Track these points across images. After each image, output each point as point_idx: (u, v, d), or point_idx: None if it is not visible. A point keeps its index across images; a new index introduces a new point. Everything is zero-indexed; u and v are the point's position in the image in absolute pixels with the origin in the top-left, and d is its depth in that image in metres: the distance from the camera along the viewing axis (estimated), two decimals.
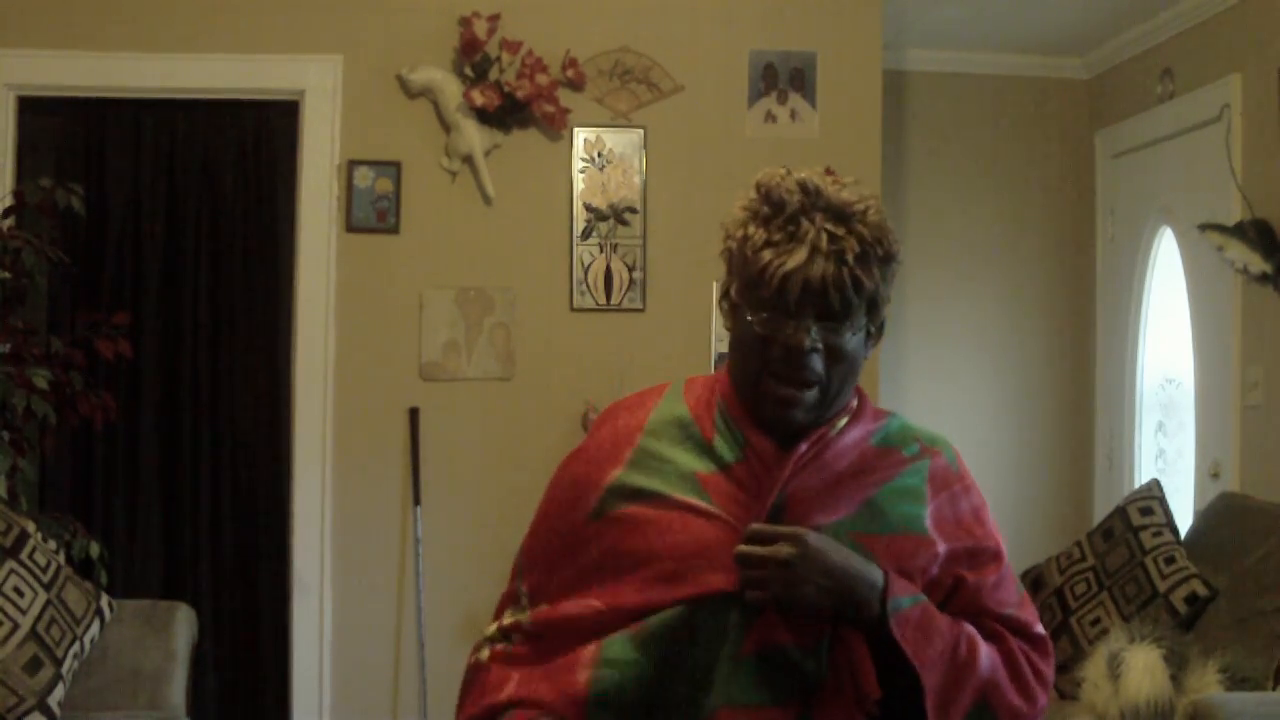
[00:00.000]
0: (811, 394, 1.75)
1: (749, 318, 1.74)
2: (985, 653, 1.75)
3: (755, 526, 1.70)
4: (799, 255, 1.70)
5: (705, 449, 1.79)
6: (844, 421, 1.81)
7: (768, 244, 1.73)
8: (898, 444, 1.84)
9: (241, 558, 5.28)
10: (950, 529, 1.80)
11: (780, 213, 1.74)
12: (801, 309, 1.71)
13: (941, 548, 1.77)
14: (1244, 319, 4.72)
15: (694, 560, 1.72)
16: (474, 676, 1.86)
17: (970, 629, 1.76)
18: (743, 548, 1.69)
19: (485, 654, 1.85)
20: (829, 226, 1.72)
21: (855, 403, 1.85)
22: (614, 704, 1.71)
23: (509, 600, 1.89)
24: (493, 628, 1.88)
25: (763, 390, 1.75)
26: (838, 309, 1.72)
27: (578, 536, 1.81)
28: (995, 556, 1.82)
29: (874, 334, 1.80)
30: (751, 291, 1.74)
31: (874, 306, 1.77)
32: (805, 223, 1.72)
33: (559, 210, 4.91)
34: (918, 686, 1.71)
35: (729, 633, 1.69)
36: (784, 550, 1.67)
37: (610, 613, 1.74)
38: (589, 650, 1.73)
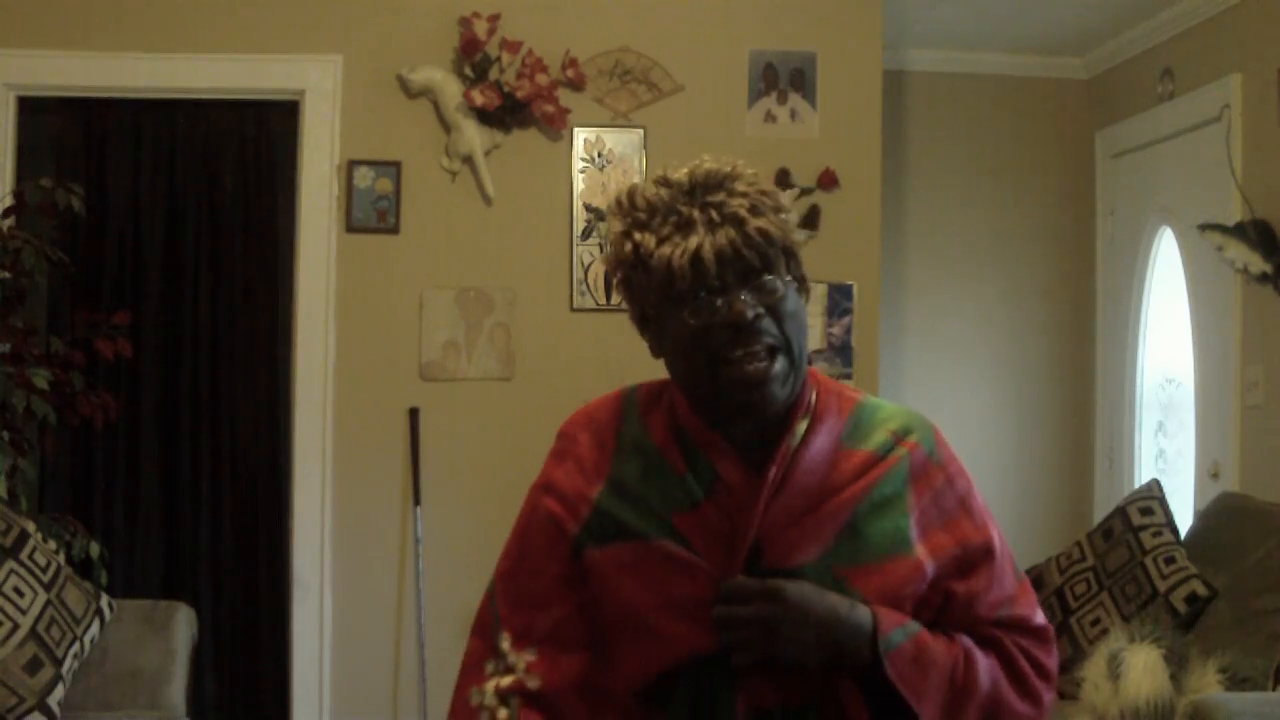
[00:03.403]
0: (780, 363, 1.63)
1: (680, 314, 1.63)
2: (985, 668, 1.69)
3: (729, 585, 1.61)
4: (697, 234, 1.62)
5: (678, 484, 1.68)
6: (804, 425, 1.70)
7: (660, 241, 1.63)
8: (871, 442, 1.72)
9: (241, 558, 5.28)
10: (936, 534, 1.70)
11: (654, 212, 1.66)
12: (724, 282, 1.62)
13: (929, 566, 1.68)
14: (1244, 319, 4.72)
15: (678, 620, 1.63)
16: None
17: (966, 644, 1.69)
18: (722, 610, 1.60)
19: None
20: (708, 199, 1.64)
21: (813, 396, 1.72)
22: None
23: (484, 656, 1.74)
24: (486, 693, 1.71)
25: (725, 379, 1.63)
26: (758, 265, 1.62)
27: (561, 577, 1.71)
28: (986, 553, 1.72)
29: (802, 286, 1.70)
30: (666, 293, 1.63)
31: (790, 254, 1.67)
32: (683, 208, 1.64)
33: (559, 210, 4.91)
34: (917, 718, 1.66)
35: (720, 696, 1.63)
36: (763, 609, 1.59)
37: (609, 671, 1.68)
38: None
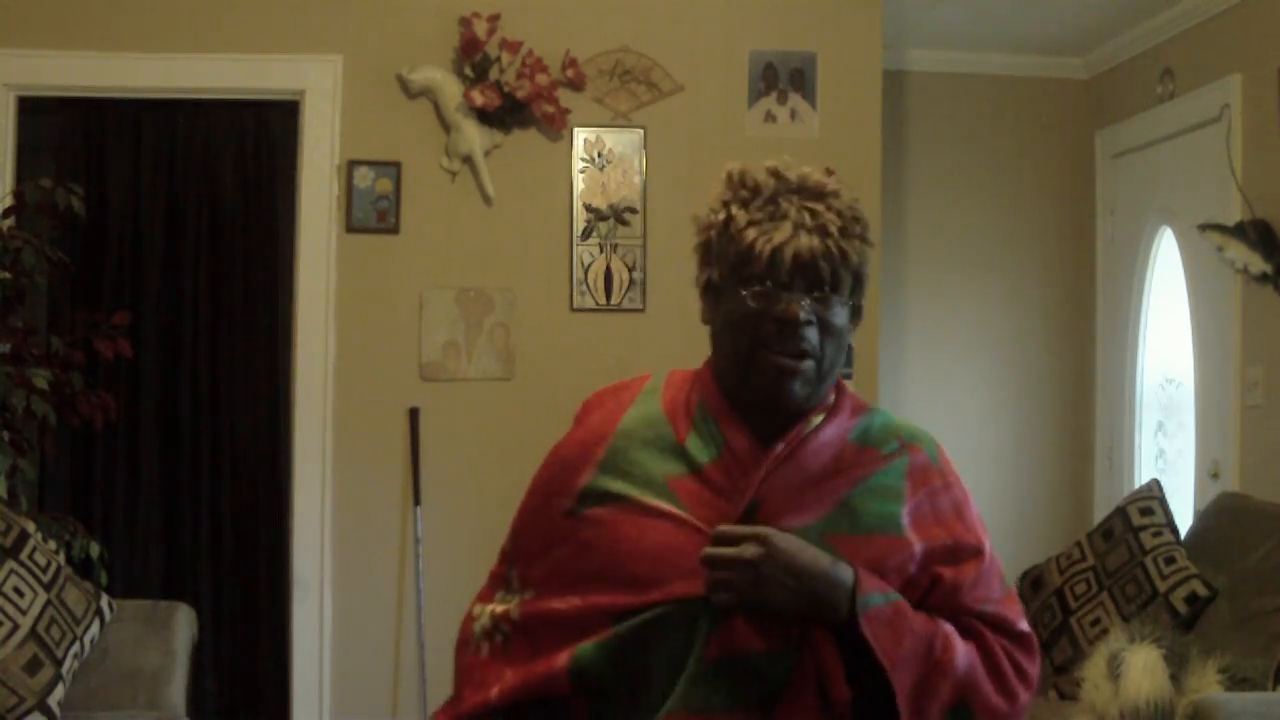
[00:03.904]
0: (809, 365, 1.74)
1: (742, 292, 1.74)
2: (963, 651, 1.72)
3: (721, 528, 1.68)
4: (784, 230, 1.73)
5: (677, 451, 1.78)
6: (819, 419, 1.80)
7: (751, 223, 1.74)
8: (877, 442, 1.81)
9: (241, 558, 5.28)
10: (929, 526, 1.77)
11: (757, 195, 1.76)
12: (793, 282, 1.73)
13: (918, 546, 1.75)
14: (1244, 319, 4.72)
15: (661, 566, 1.70)
16: (468, 670, 1.86)
17: (947, 627, 1.73)
18: (709, 550, 1.67)
19: (485, 650, 1.84)
20: (808, 204, 1.75)
21: (833, 398, 1.83)
22: (599, 706, 1.72)
23: (499, 582, 1.89)
24: (485, 614, 1.87)
25: (759, 364, 1.74)
26: (827, 280, 1.73)
27: (556, 531, 1.81)
28: (976, 553, 1.78)
29: (856, 313, 1.81)
30: (739, 270, 1.75)
31: (858, 282, 1.78)
32: (784, 202, 1.75)
33: (559, 210, 4.91)
34: (892, 686, 1.68)
35: (695, 638, 1.68)
36: (749, 550, 1.65)
37: (590, 611, 1.73)
38: (562, 657, 1.73)
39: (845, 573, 1.68)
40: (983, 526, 1.83)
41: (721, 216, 1.78)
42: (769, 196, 1.76)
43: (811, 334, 1.73)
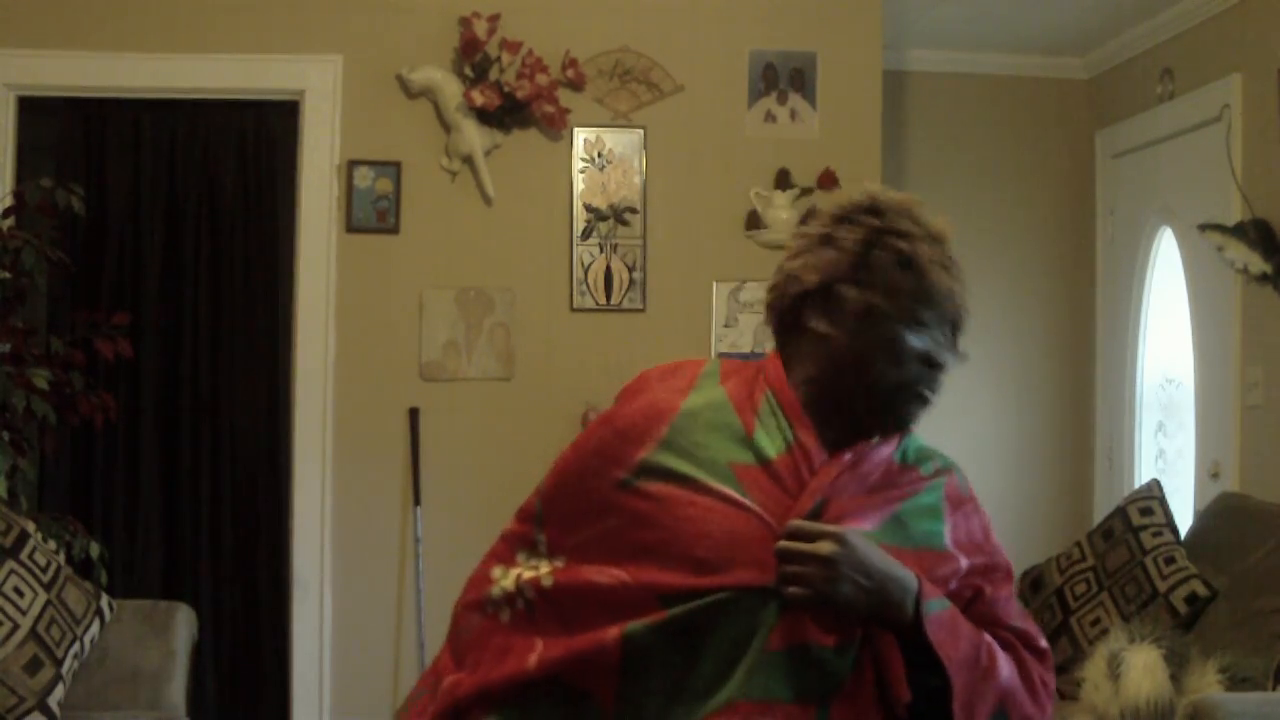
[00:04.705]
0: (924, 405, 1.83)
1: (897, 324, 1.77)
2: (1004, 661, 1.79)
3: (797, 522, 1.70)
4: (934, 271, 1.78)
5: (743, 441, 1.78)
6: (875, 439, 1.84)
7: (905, 236, 1.79)
8: (916, 463, 1.87)
9: (241, 558, 5.28)
10: (967, 546, 1.84)
11: (904, 218, 1.80)
12: (929, 311, 1.78)
13: (963, 562, 1.82)
14: (1244, 319, 4.72)
15: (725, 551, 1.70)
16: (484, 634, 1.82)
17: (989, 638, 1.79)
18: (785, 543, 1.69)
19: (506, 616, 1.80)
20: (941, 249, 1.81)
21: None
22: (642, 685, 1.70)
23: (520, 541, 1.86)
24: (508, 577, 1.82)
25: (886, 382, 1.78)
26: (952, 319, 1.81)
27: (605, 501, 1.77)
28: (1007, 574, 1.87)
29: (954, 360, 1.88)
30: (883, 280, 1.77)
31: (958, 328, 1.84)
32: (923, 243, 1.80)
33: (559, 210, 4.91)
34: (941, 692, 1.73)
35: (757, 628, 1.68)
36: (826, 547, 1.67)
37: (636, 588, 1.71)
38: (612, 632, 1.70)
39: (911, 578, 1.73)
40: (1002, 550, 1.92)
41: (873, 224, 1.79)
42: (911, 227, 1.80)
43: (936, 380, 1.81)
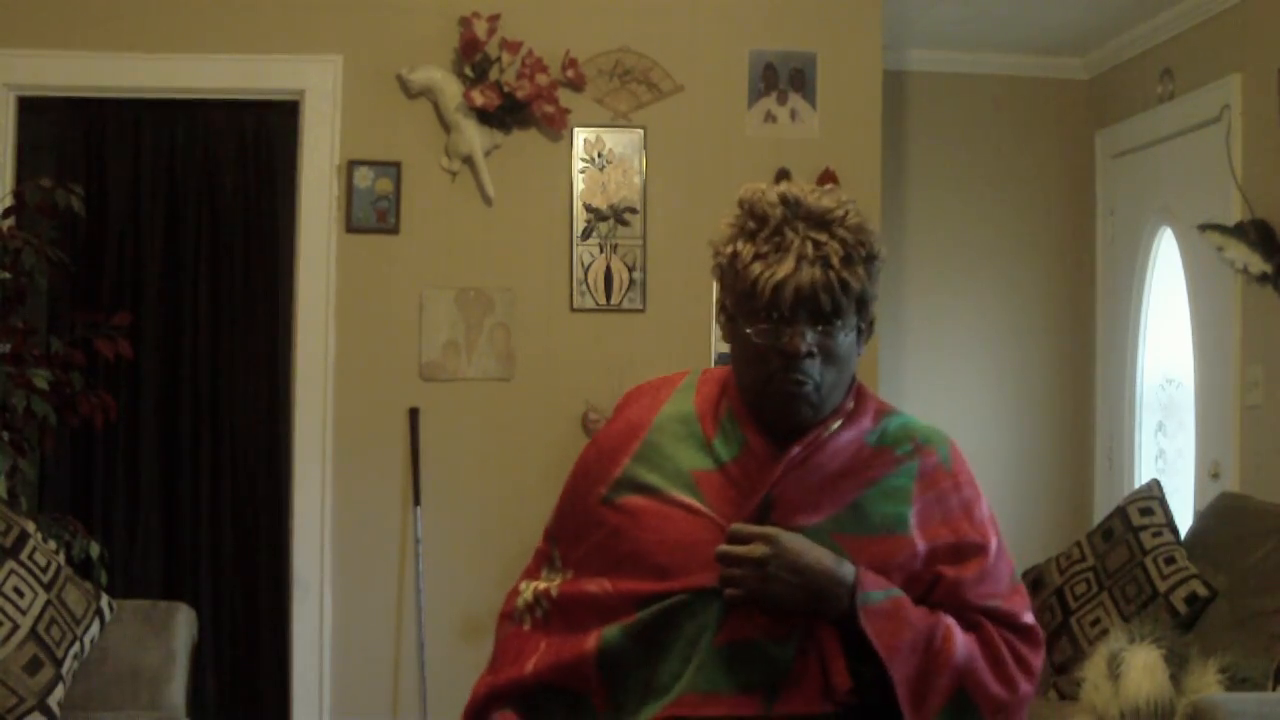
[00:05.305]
0: (810, 390, 1.85)
1: (746, 330, 1.84)
2: (962, 642, 1.82)
3: (735, 527, 1.81)
4: (787, 265, 1.80)
5: (705, 447, 1.90)
6: (838, 424, 1.90)
7: (756, 257, 1.83)
8: (892, 444, 1.92)
9: (241, 558, 5.28)
10: (934, 527, 1.87)
11: (764, 226, 1.84)
12: (795, 316, 1.81)
13: (921, 546, 1.85)
14: (1244, 319, 4.72)
15: (683, 556, 1.83)
16: (508, 641, 1.99)
17: (948, 620, 1.83)
18: (723, 547, 1.80)
19: (527, 623, 1.96)
20: (812, 234, 1.82)
21: (851, 404, 1.93)
22: (621, 684, 1.85)
23: (544, 559, 2.02)
24: (529, 590, 1.99)
25: (768, 391, 1.85)
26: (829, 311, 1.82)
27: (592, 517, 1.93)
28: (980, 550, 1.88)
29: (864, 331, 1.90)
30: (745, 304, 1.84)
31: (863, 305, 1.87)
32: (789, 233, 1.82)
33: (559, 210, 4.91)
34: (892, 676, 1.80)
35: (708, 625, 1.81)
36: (758, 549, 1.78)
37: (618, 595, 1.86)
38: (591, 639, 1.86)
39: (847, 571, 1.80)
40: (993, 525, 1.93)
41: (730, 250, 1.86)
42: (775, 227, 1.83)
43: (812, 366, 1.83)
